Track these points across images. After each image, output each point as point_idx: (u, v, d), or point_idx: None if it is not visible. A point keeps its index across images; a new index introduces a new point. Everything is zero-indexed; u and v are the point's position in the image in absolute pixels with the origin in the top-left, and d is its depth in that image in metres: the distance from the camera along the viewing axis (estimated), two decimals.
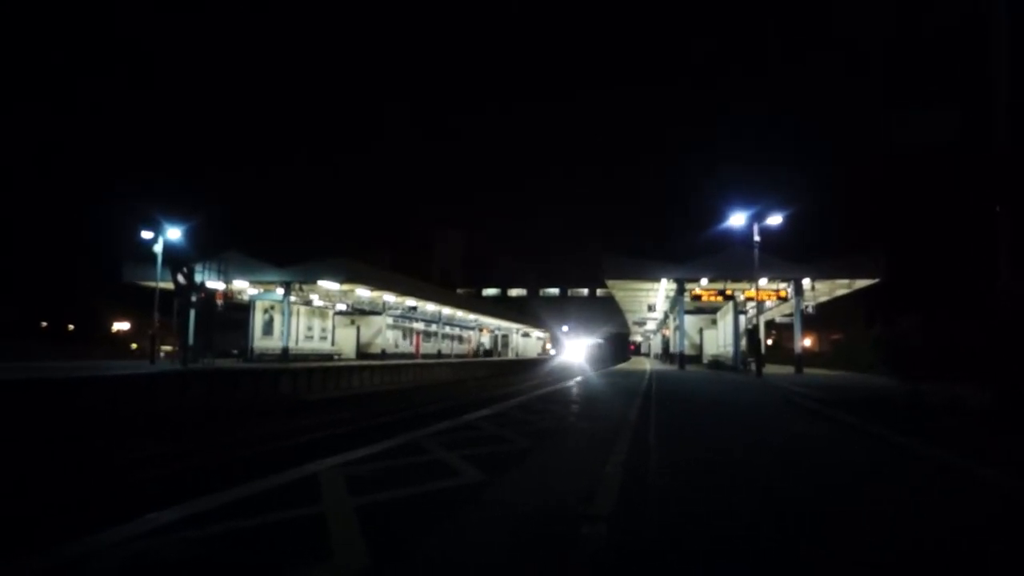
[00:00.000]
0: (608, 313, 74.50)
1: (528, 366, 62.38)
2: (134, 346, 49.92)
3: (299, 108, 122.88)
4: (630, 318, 66.52)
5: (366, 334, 46.84)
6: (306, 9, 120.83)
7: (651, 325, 65.25)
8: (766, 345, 39.75)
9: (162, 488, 8.42)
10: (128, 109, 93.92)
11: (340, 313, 44.68)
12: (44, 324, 57.60)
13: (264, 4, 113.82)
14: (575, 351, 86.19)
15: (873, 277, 31.10)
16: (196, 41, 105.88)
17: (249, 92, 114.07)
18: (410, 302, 45.96)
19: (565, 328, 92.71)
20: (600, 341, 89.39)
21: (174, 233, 27.59)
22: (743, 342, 32.68)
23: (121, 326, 56.78)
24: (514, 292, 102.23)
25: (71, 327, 59.43)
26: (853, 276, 32.00)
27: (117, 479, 9.60)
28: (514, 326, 78.35)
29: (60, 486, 9.13)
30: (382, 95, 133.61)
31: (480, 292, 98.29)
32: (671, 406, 11.92)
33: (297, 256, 35.81)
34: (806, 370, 29.52)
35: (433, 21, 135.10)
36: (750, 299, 30.94)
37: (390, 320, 47.17)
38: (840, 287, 35.02)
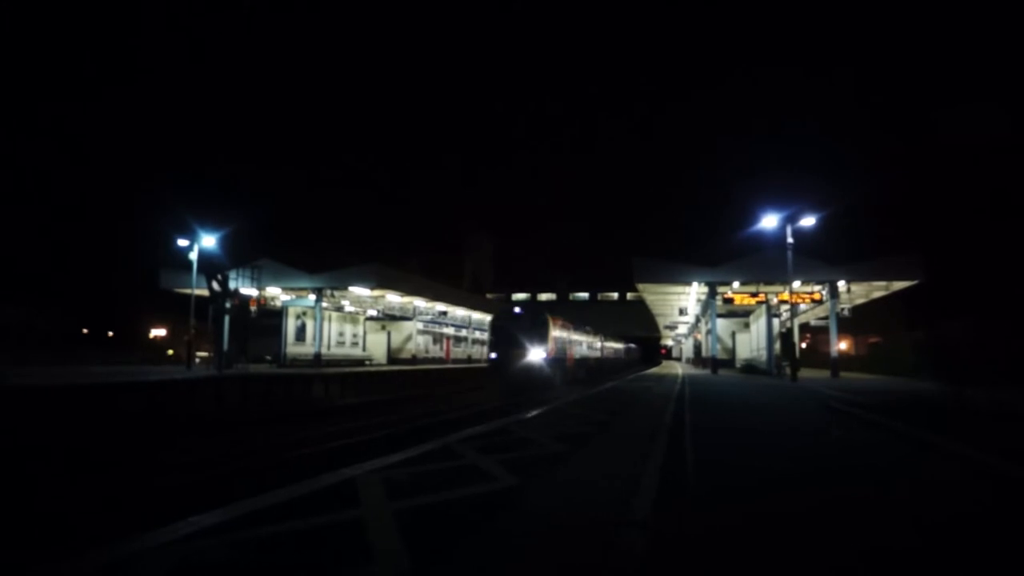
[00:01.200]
0: (638, 317, 73.96)
1: None
2: (170, 352, 50.90)
3: (330, 115, 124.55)
4: (661, 322, 66.02)
5: (397, 339, 47.18)
6: (337, 18, 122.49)
7: (682, 329, 64.65)
8: (800, 349, 39.08)
9: (202, 492, 8.53)
10: (164, 117, 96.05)
11: (371, 319, 45.07)
12: (85, 331, 59.09)
13: (304, 16, 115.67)
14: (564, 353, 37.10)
15: (912, 279, 30.40)
16: (233, 47, 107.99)
17: (278, 98, 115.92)
18: (440, 307, 46.19)
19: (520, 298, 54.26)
20: (597, 342, 43.80)
21: (208, 241, 28.08)
22: (777, 346, 32.18)
23: (158, 332, 57.99)
24: (544, 296, 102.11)
25: (110, 333, 60.87)
26: (891, 278, 31.33)
27: (159, 482, 9.76)
28: None
29: (108, 487, 9.31)
30: (411, 104, 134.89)
31: (510, 297, 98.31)
32: (705, 411, 11.77)
33: (328, 262, 36.24)
34: (842, 374, 28.95)
35: (459, 25, 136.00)
36: (784, 302, 30.48)
37: (420, 325, 47.43)
38: (877, 289, 34.30)
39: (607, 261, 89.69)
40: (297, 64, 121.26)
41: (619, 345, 57.83)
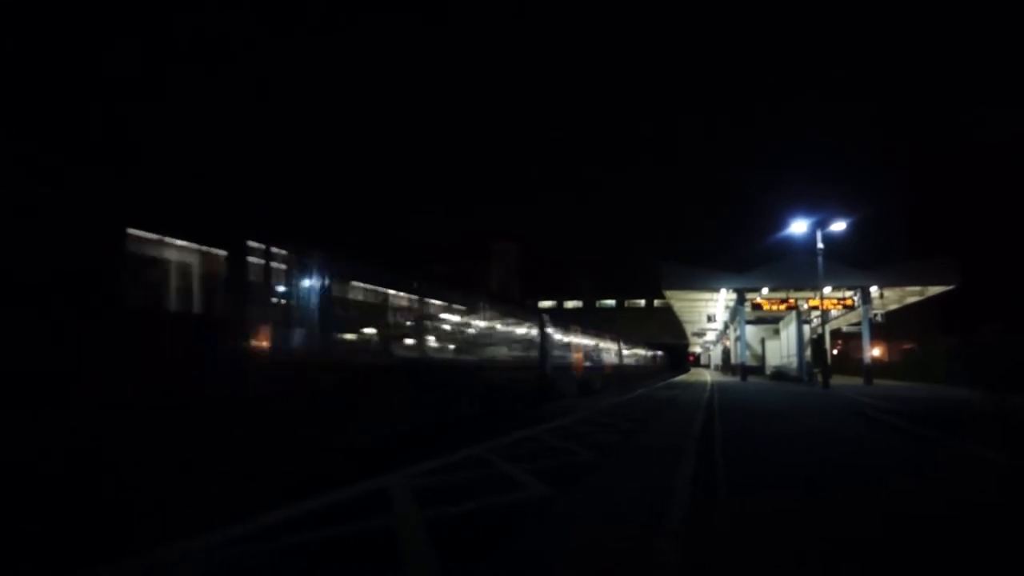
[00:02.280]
0: (666, 324, 73.41)
1: None
2: None
3: (353, 121, 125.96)
4: (689, 329, 65.41)
5: None
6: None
7: (710, 336, 64.00)
8: (832, 355, 38.40)
9: (236, 499, 8.62)
10: (185, 123, 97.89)
11: None
12: None
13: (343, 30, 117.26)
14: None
15: (949, 283, 29.73)
16: (265, 62, 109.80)
17: (305, 110, 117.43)
18: None
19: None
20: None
21: None
22: (807, 352, 31.66)
23: None
24: (570, 304, 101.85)
25: None
26: (926, 282, 30.67)
27: (191, 486, 9.87)
28: None
29: (138, 491, 9.45)
30: (439, 109, 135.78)
31: (536, 304, 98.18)
32: (735, 419, 11.61)
33: None
34: (876, 381, 28.37)
35: (493, 34, 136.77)
36: (814, 308, 30.00)
37: None
38: (911, 294, 33.63)
39: (634, 268, 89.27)
40: (328, 76, 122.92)
41: (647, 352, 57.21)
